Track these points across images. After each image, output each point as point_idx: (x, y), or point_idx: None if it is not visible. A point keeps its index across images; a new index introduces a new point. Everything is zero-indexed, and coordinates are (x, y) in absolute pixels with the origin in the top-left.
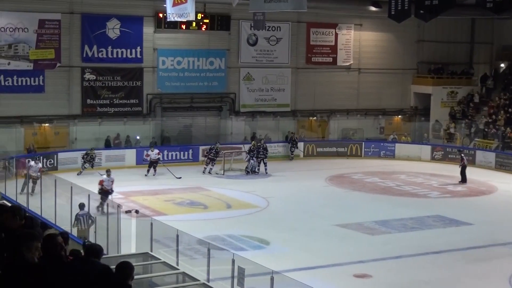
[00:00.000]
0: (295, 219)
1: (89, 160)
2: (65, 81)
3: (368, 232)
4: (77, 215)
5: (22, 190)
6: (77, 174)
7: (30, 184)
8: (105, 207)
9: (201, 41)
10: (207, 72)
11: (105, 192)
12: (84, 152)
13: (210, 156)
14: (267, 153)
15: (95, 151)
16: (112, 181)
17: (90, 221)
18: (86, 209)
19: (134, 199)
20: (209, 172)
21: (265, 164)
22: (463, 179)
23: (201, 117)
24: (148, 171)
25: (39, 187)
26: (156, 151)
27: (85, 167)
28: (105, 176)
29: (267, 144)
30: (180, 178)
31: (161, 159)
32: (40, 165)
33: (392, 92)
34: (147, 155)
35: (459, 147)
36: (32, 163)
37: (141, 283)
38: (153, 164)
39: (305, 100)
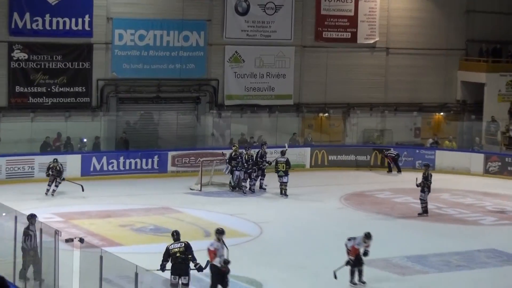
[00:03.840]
0: (298, 253)
1: (57, 174)
2: None
3: (398, 271)
4: None
5: None
6: (46, 194)
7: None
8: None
9: (172, 9)
10: (180, 50)
11: None
12: (47, 166)
13: (262, 166)
14: (266, 162)
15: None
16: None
17: None
18: None
19: (78, 223)
20: (263, 187)
21: (263, 177)
22: (398, 169)
23: (171, 112)
24: (354, 274)
25: None
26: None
27: (56, 185)
28: None
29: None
30: None
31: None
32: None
33: (431, 80)
34: (354, 249)
35: None
36: (214, 242)
37: None
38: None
39: (313, 90)
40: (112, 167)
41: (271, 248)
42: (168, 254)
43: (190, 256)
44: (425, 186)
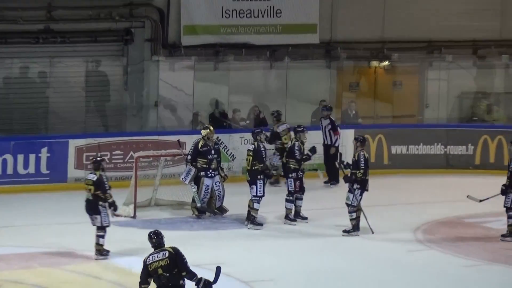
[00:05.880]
0: None
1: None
2: None
3: None
4: None
5: None
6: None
7: None
8: None
9: None
10: None
11: None
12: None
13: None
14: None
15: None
16: None
17: None
18: None
19: None
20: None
21: (294, 192)
22: (331, 176)
23: (75, 60)
24: None
25: None
26: None
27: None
28: None
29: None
30: None
31: None
32: None
33: None
34: None
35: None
36: None
37: None
38: None
39: (358, 17)
40: None
41: None
42: (147, 273)
43: (183, 272)
44: (353, 179)
